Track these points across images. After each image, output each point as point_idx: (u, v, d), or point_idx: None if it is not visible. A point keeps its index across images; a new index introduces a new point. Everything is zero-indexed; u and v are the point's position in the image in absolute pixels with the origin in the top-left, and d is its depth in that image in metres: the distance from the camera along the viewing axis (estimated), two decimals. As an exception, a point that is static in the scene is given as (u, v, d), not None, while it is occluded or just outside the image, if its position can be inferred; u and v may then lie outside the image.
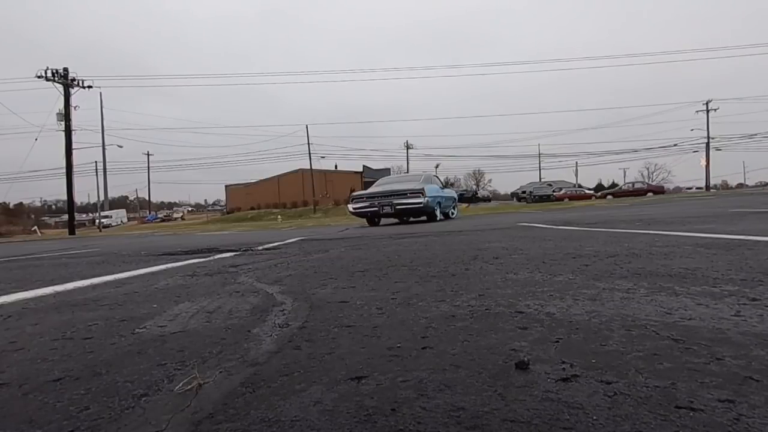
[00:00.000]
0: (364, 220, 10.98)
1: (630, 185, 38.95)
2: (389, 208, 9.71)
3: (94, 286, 2.26)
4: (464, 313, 1.23)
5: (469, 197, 41.03)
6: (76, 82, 24.61)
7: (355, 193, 10.81)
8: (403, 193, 9.83)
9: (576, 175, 61.53)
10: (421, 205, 9.47)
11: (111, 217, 48.76)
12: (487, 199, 45.55)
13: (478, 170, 77.61)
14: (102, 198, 40.23)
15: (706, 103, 47.59)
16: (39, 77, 23.45)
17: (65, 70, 24.29)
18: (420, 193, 9.57)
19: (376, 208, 9.85)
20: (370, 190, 10.85)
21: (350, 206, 10.27)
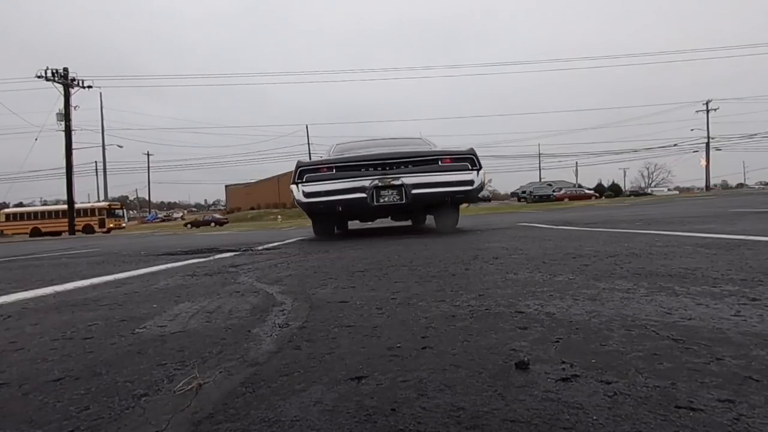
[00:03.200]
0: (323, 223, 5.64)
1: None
2: (395, 194, 4.59)
3: (94, 286, 2.26)
4: (464, 313, 1.23)
5: None
6: (76, 82, 24.64)
7: (306, 163, 4.94)
8: (430, 161, 4.71)
9: (576, 175, 61.61)
10: (471, 188, 4.68)
11: (111, 217, 48.72)
12: (487, 199, 45.56)
13: (478, 170, 77.47)
14: (102, 198, 40.26)
15: (706, 103, 47.61)
16: (39, 77, 23.48)
17: (65, 70, 24.31)
18: (469, 159, 4.73)
19: (363, 195, 4.59)
20: (345, 155, 5.37)
21: (300, 190, 4.70)
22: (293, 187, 4.79)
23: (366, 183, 4.60)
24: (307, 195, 4.65)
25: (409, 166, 4.68)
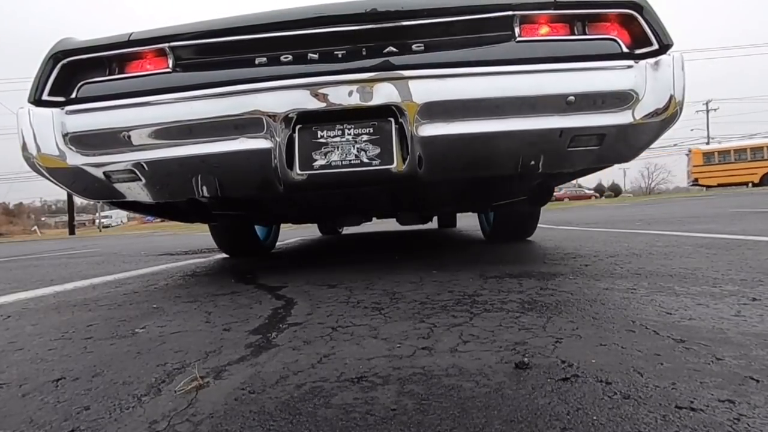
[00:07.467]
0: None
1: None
2: (367, 139, 1.53)
3: (94, 286, 2.26)
4: (464, 313, 1.23)
5: None
6: (76, 82, 24.61)
7: (86, 44, 1.62)
8: (487, 25, 1.54)
9: (576, 175, 61.44)
10: (625, 121, 1.52)
11: (111, 217, 48.75)
12: None
13: (479, 170, 77.20)
14: (102, 198, 40.20)
15: (706, 103, 47.59)
16: (39, 77, 23.45)
17: (65, 70, 24.28)
18: (626, 19, 1.52)
19: (264, 144, 1.54)
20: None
21: (56, 123, 1.57)
22: (30, 113, 1.66)
23: (275, 102, 1.56)
24: (77, 143, 1.65)
25: (419, 46, 1.60)
